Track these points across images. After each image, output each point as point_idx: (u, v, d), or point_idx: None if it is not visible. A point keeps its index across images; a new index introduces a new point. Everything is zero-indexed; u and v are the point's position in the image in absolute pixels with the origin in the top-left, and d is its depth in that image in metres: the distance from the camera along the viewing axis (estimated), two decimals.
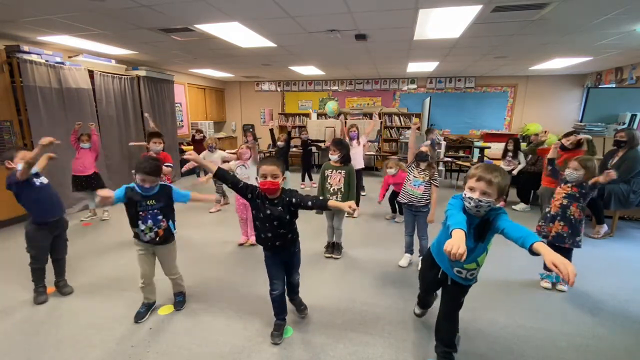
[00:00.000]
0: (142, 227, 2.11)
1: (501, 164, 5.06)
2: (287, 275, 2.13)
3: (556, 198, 2.69)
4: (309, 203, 1.89)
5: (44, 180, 2.46)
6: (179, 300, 2.45)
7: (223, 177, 1.91)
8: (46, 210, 2.41)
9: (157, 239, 2.17)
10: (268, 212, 1.88)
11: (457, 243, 1.28)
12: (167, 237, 2.22)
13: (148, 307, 2.36)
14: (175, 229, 3.93)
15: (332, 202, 1.88)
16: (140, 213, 2.09)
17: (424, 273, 2.07)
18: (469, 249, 1.59)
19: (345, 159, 3.09)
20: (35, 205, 2.38)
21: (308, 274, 2.87)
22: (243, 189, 1.91)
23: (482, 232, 1.57)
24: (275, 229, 1.91)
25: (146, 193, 2.11)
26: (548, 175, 3.16)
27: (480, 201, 1.49)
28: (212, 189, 5.03)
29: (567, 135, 3.87)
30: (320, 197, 1.95)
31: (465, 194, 1.56)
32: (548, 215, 2.72)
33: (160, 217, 2.17)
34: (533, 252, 1.29)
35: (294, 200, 1.90)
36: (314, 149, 7.08)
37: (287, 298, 2.21)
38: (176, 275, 2.41)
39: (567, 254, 2.69)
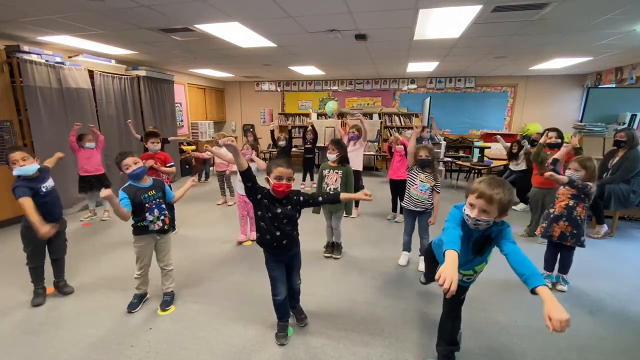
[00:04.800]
0: (151, 217, 2.21)
1: (511, 165, 5.20)
2: (288, 280, 2.10)
3: (561, 199, 2.66)
4: (320, 199, 2.00)
5: (50, 184, 2.42)
6: (166, 300, 2.43)
7: (248, 175, 1.89)
8: (48, 213, 2.34)
9: (165, 226, 2.28)
10: (278, 210, 1.89)
11: (447, 275, 1.22)
12: (171, 224, 2.34)
13: (141, 298, 2.43)
14: (175, 229, 3.90)
15: (344, 195, 2.03)
16: (146, 205, 2.20)
17: (428, 272, 2.08)
18: (467, 260, 1.58)
19: (343, 160, 3.11)
20: (40, 209, 2.26)
21: (308, 274, 2.86)
22: (257, 190, 1.91)
23: (482, 247, 1.52)
24: (284, 226, 1.92)
25: (143, 185, 2.23)
26: (541, 175, 3.08)
27: (478, 220, 1.43)
28: (212, 190, 5.03)
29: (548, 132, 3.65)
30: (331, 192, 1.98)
31: (464, 209, 1.49)
32: (552, 215, 2.68)
33: (163, 205, 2.29)
34: (534, 294, 1.24)
35: (301, 198, 1.97)
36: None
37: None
38: (171, 267, 2.45)
39: (568, 251, 2.70)
